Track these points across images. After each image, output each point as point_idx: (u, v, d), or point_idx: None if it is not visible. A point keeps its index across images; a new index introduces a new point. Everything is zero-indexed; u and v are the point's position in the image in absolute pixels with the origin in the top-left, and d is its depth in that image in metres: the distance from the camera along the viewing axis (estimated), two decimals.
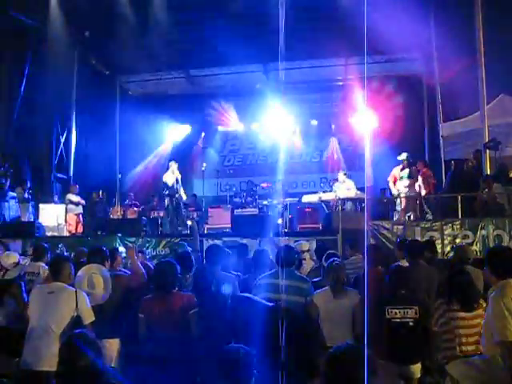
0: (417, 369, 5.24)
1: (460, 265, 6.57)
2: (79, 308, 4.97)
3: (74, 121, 18.17)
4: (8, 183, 13.69)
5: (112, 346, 5.51)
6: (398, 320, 5.20)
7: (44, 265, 7.57)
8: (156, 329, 5.00)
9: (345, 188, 14.22)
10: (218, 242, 11.24)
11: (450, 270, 6.79)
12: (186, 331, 4.98)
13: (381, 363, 5.10)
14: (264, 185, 16.62)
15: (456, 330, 4.76)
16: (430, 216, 13.49)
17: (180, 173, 14.59)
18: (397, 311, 5.22)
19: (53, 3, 16.00)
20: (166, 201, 14.43)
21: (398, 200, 14.03)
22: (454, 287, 4.98)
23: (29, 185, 15.17)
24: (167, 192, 14.30)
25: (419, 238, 10.60)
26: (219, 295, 5.68)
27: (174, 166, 14.52)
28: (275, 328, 4.29)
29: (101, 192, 16.43)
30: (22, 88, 15.93)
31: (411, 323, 5.19)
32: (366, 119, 18.49)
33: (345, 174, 14.70)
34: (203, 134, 21.22)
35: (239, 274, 6.67)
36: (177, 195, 14.35)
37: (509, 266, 4.33)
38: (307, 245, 8.77)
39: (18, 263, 6.56)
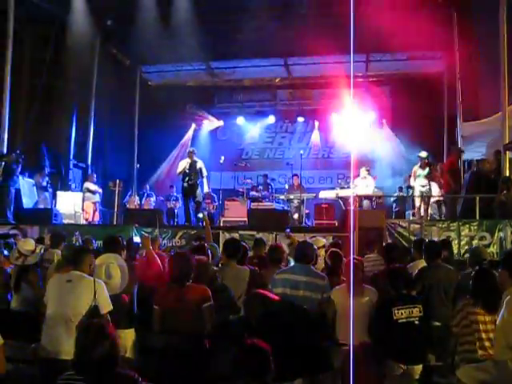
0: (418, 370, 5.21)
1: (475, 266, 6.53)
2: (97, 297, 4.98)
3: (93, 110, 18.21)
4: (19, 169, 13.72)
5: (127, 336, 5.53)
6: (405, 320, 5.18)
7: (60, 252, 7.63)
8: (170, 321, 5.00)
9: (364, 184, 14.19)
10: (234, 235, 11.24)
11: (464, 270, 6.81)
12: (199, 324, 4.99)
13: (389, 363, 5.12)
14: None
15: (478, 332, 4.70)
16: (436, 217, 13.47)
17: (196, 160, 14.24)
18: (402, 311, 5.20)
19: None
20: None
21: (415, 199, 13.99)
22: (478, 289, 4.92)
23: (47, 172, 15.27)
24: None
25: (436, 238, 10.55)
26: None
27: (190, 153, 14.47)
28: (287, 324, 4.29)
29: (118, 181, 16.50)
30: (44, 75, 16.00)
31: (416, 322, 5.19)
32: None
33: (367, 171, 14.68)
34: (221, 125, 21.26)
35: (256, 268, 6.67)
36: (189, 181, 14.03)
37: None
38: (323, 241, 8.75)
39: (34, 250, 6.59)
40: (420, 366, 5.19)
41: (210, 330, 4.97)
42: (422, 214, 13.28)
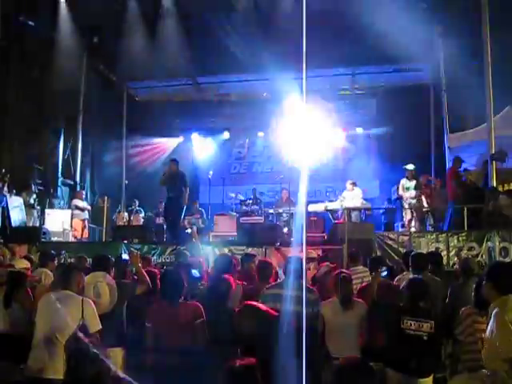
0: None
1: (465, 277, 6.58)
2: (85, 316, 4.96)
3: (80, 126, 18.17)
4: (5, 187, 13.61)
5: (116, 355, 5.49)
6: (412, 332, 5.19)
7: (49, 271, 7.58)
8: (163, 338, 4.98)
9: (352, 197, 14.21)
10: (224, 250, 11.23)
11: (454, 281, 6.84)
12: (192, 341, 4.97)
13: (389, 373, 5.11)
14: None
15: (482, 341, 4.72)
16: (431, 228, 13.52)
17: (178, 172, 13.72)
18: (412, 323, 5.21)
19: (62, 8, 16.06)
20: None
21: (404, 211, 14.06)
22: (481, 297, 4.94)
23: (34, 189, 15.16)
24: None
25: (425, 249, 10.60)
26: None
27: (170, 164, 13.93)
28: (279, 338, 4.27)
29: (106, 198, 16.44)
30: (30, 92, 15.96)
31: (425, 337, 5.18)
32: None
33: (353, 183, 14.68)
34: (209, 141, 21.26)
35: (244, 283, 6.66)
36: (170, 194, 13.57)
37: (510, 282, 4.32)
38: (314, 253, 8.78)
39: (28, 268, 6.55)
40: (425, 380, 5.18)
41: (203, 346, 4.96)
42: (414, 225, 13.35)
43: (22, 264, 6.72)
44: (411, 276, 6.41)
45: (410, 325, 5.20)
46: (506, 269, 4.51)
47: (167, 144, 20.94)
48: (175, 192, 13.46)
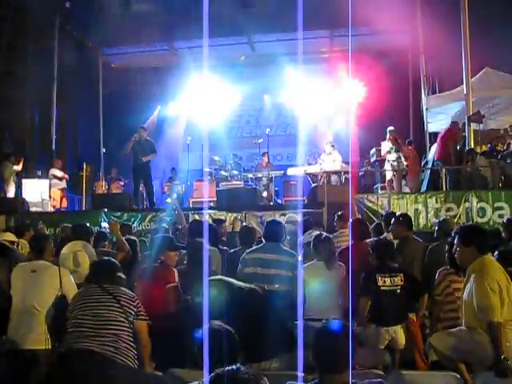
0: (401, 334, 5.33)
1: (443, 237, 6.64)
2: (63, 286, 4.93)
3: (55, 94, 17.85)
4: None
5: None
6: (387, 288, 5.35)
7: (26, 242, 7.52)
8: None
9: (331, 160, 14.18)
10: (204, 215, 11.23)
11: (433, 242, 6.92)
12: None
13: (371, 327, 5.21)
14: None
15: (460, 300, 4.81)
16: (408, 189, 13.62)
17: (146, 139, 13.77)
18: (386, 279, 5.37)
19: None
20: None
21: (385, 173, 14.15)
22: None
23: (12, 160, 14.91)
24: None
25: (404, 210, 10.68)
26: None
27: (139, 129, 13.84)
28: (251, 310, 4.29)
29: (85, 166, 16.27)
30: (2, 60, 15.63)
31: (398, 290, 5.36)
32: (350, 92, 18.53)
33: (332, 146, 14.60)
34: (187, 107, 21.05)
35: (226, 248, 6.68)
36: (138, 161, 13.50)
37: (486, 241, 4.44)
38: (295, 216, 8.83)
39: (14, 242, 6.49)
40: (400, 327, 5.33)
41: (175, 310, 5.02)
42: (395, 186, 13.43)
43: (8, 237, 6.65)
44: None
45: (385, 281, 5.36)
46: (480, 231, 4.59)
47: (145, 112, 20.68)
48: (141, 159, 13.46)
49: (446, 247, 5.28)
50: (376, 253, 5.66)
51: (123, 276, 4.77)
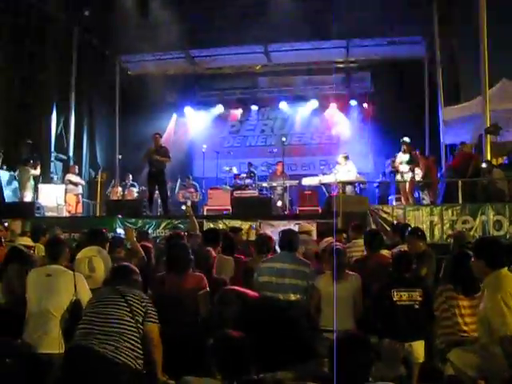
0: (420, 349, 5.29)
1: (459, 249, 6.58)
2: (78, 291, 4.94)
3: (73, 100, 18.00)
4: None
5: None
6: (405, 302, 5.30)
7: (42, 246, 7.54)
8: (164, 308, 4.96)
9: (345, 170, 14.14)
10: (218, 224, 11.25)
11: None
12: (194, 312, 5.01)
13: (385, 342, 5.16)
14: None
15: (458, 316, 4.80)
16: (427, 201, 13.51)
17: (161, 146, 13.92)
18: (403, 294, 5.32)
19: None
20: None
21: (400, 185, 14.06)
22: (457, 272, 5.00)
23: (30, 165, 15.02)
24: None
25: (419, 223, 10.62)
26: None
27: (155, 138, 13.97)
28: (266, 321, 4.27)
29: (100, 172, 16.37)
30: (22, 66, 15.79)
31: (416, 306, 5.29)
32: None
33: (345, 157, 14.56)
34: (203, 115, 21.15)
35: (242, 257, 6.67)
36: (153, 169, 13.66)
37: (501, 256, 4.34)
38: (309, 226, 8.81)
39: (31, 247, 6.53)
40: (418, 343, 5.29)
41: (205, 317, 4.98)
42: (409, 198, 13.36)
43: (25, 241, 6.69)
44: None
45: (401, 296, 5.30)
46: (493, 245, 4.53)
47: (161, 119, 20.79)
48: (158, 166, 13.57)
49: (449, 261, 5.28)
50: (393, 264, 5.63)
51: (140, 279, 4.76)
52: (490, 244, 4.56)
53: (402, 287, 5.34)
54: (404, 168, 13.54)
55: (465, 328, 4.79)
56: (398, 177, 13.83)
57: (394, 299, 5.28)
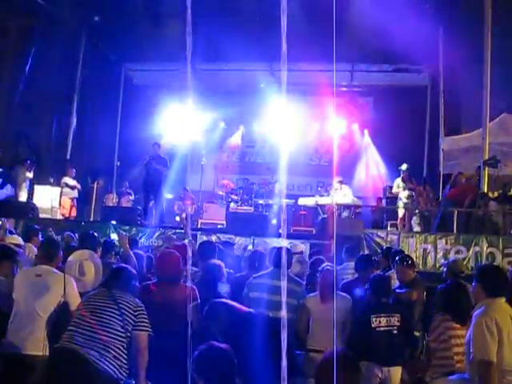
0: (397, 375, 5.30)
1: (453, 279, 6.55)
2: (67, 293, 4.90)
3: (75, 104, 18.00)
4: None
5: None
6: (383, 329, 5.30)
7: (33, 246, 7.50)
8: (154, 318, 4.91)
9: (341, 195, 14.15)
10: (212, 237, 11.21)
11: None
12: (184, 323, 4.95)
13: (363, 364, 5.12)
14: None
15: (456, 347, 4.73)
16: (417, 229, 13.53)
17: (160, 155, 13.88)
18: (381, 320, 5.32)
19: None
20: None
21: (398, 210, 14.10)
22: (452, 303, 4.97)
23: (27, 166, 14.97)
24: None
25: (413, 249, 10.64)
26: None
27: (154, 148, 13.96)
28: (250, 334, 4.23)
29: (97, 179, 16.36)
30: (27, 66, 15.81)
31: (395, 331, 5.31)
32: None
33: (340, 182, 14.57)
34: (204, 129, 21.14)
35: (231, 271, 6.64)
36: (149, 177, 13.62)
37: (499, 285, 4.30)
38: (302, 246, 8.78)
39: (20, 245, 6.48)
40: (396, 369, 5.29)
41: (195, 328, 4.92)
42: (405, 225, 13.38)
43: (14, 240, 6.64)
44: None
45: (379, 322, 5.31)
46: (494, 271, 4.51)
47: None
48: (155, 175, 13.50)
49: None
50: (371, 289, 5.62)
51: (138, 285, 4.73)
52: (490, 271, 4.54)
53: (380, 313, 5.34)
54: (402, 194, 13.57)
55: (463, 359, 4.62)
56: (396, 203, 13.87)
57: (373, 326, 5.28)
